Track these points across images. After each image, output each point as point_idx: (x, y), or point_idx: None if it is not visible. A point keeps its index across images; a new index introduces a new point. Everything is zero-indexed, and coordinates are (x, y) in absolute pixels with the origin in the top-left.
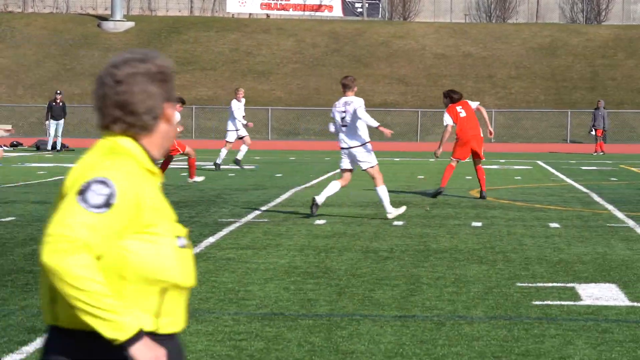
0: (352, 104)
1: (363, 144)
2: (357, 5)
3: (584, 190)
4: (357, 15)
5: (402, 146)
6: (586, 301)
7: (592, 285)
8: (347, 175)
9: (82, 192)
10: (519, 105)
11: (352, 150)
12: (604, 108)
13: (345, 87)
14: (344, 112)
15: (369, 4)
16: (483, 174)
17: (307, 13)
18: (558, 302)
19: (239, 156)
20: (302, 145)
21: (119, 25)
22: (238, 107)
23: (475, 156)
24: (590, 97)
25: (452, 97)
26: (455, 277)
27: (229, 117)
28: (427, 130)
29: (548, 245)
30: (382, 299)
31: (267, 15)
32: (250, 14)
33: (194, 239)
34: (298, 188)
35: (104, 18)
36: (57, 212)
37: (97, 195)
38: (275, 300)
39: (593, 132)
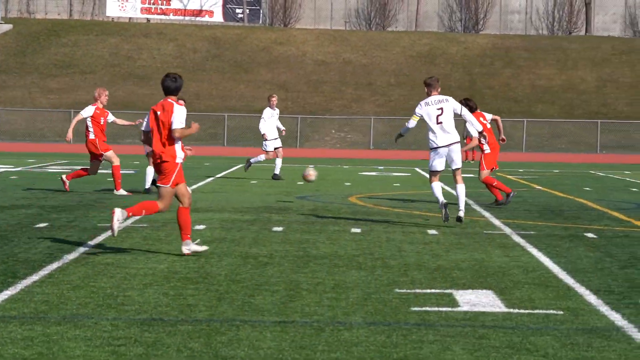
0: (449, 101)
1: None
2: (237, 10)
3: None
4: (238, 21)
5: None
6: (464, 307)
7: (470, 291)
8: (438, 175)
9: None
10: (398, 112)
11: (453, 146)
12: None
13: (431, 87)
14: (440, 109)
15: (250, 9)
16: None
17: (187, 18)
18: (436, 308)
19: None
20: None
21: None
22: (271, 115)
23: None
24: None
25: (470, 107)
26: (335, 283)
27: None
28: (306, 136)
29: (426, 251)
30: (261, 305)
31: (148, 20)
32: (130, 18)
33: (72, 244)
34: None
35: None
36: None
37: None
38: (154, 306)
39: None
